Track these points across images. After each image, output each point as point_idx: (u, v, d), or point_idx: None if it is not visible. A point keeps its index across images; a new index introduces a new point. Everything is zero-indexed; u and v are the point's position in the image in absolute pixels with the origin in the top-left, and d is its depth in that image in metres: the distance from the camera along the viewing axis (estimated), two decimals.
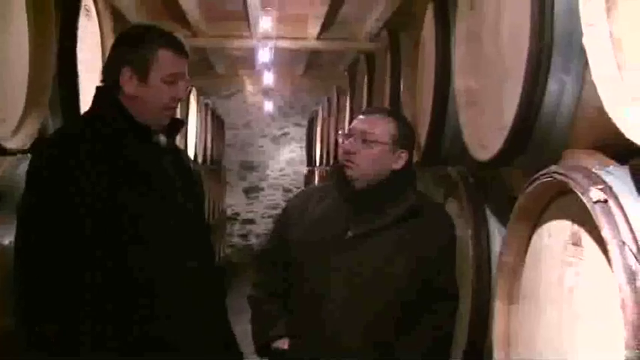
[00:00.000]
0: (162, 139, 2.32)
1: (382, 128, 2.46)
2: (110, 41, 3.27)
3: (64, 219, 2.06)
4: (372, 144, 2.43)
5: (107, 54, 2.41)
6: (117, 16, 3.84)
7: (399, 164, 2.47)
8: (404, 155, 2.48)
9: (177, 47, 2.26)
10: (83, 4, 3.05)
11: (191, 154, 7.36)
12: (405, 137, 2.50)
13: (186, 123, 7.03)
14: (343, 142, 2.50)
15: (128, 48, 2.23)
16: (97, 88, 2.29)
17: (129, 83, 2.20)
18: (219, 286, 2.50)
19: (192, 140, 7.60)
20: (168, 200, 2.22)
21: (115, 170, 2.12)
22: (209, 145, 9.26)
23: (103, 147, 2.14)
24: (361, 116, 2.54)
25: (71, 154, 2.11)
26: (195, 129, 7.82)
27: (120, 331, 2.09)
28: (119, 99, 2.22)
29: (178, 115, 6.39)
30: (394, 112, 2.84)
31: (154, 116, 2.26)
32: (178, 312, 2.19)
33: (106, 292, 2.08)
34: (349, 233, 2.40)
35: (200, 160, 8.19)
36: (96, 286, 2.06)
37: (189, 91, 7.42)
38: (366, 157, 2.43)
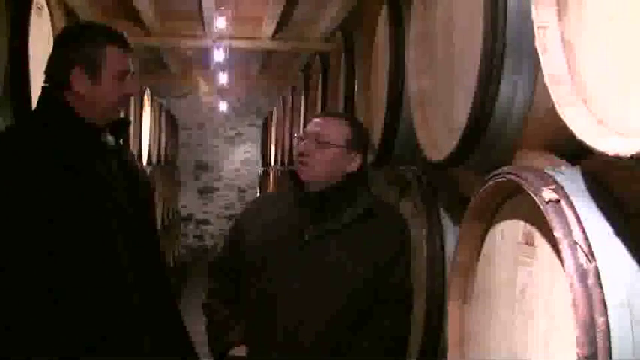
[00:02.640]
0: (110, 138, 2.29)
1: (336, 131, 2.46)
2: None
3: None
4: (325, 146, 2.43)
5: None
6: (70, 14, 3.78)
7: (353, 167, 2.47)
8: (358, 158, 2.48)
9: (123, 43, 2.26)
10: (35, 1, 2.99)
11: (145, 154, 7.27)
12: (359, 140, 2.50)
13: (140, 123, 6.95)
14: (298, 145, 2.49)
15: (75, 47, 2.20)
16: (44, 88, 2.25)
17: (80, 83, 2.17)
18: (167, 288, 2.46)
19: (146, 140, 7.51)
20: (113, 203, 2.19)
21: (59, 172, 2.08)
22: (163, 145, 9.17)
23: (49, 149, 2.10)
24: (315, 119, 2.54)
25: (15, 155, 2.07)
26: (148, 129, 7.73)
27: (58, 342, 2.03)
28: (67, 99, 2.18)
29: (132, 115, 6.35)
30: (348, 115, 2.85)
31: (106, 114, 2.24)
32: (123, 318, 2.15)
33: (42, 297, 2.02)
34: (305, 236, 2.39)
35: (154, 160, 8.10)
36: (32, 293, 2.01)
37: (144, 91, 7.34)
38: (320, 159, 2.42)
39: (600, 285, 1.42)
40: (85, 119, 2.20)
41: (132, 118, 6.27)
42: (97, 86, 2.19)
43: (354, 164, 2.47)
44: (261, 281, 2.41)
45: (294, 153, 2.55)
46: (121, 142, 2.40)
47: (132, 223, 2.24)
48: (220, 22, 6.64)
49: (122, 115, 2.42)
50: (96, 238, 2.11)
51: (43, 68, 2.27)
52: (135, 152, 6.45)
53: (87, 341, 2.07)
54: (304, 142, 2.45)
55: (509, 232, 1.91)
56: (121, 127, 2.37)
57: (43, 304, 2.02)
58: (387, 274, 2.41)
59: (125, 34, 2.28)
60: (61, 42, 2.29)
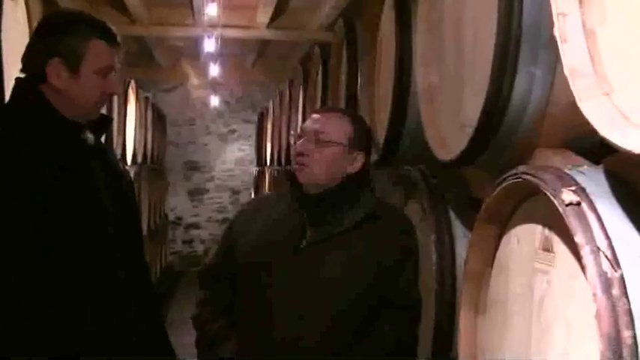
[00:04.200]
0: (90, 136, 2.28)
1: (337, 128, 2.45)
2: None
3: None
4: (326, 144, 2.41)
5: None
6: (47, 1, 3.76)
7: (355, 167, 2.45)
8: (360, 157, 2.47)
9: (110, 37, 2.25)
10: None
11: (129, 153, 7.27)
12: (361, 138, 2.49)
13: (125, 119, 6.94)
14: (295, 143, 2.48)
15: (56, 37, 2.19)
16: (17, 79, 2.25)
17: (57, 76, 2.17)
18: (152, 296, 2.46)
19: (131, 138, 7.51)
20: (94, 205, 2.18)
21: (36, 171, 2.07)
22: (149, 143, 9.17)
23: (25, 146, 2.09)
24: (314, 115, 2.53)
25: None
26: (134, 125, 7.73)
27: (39, 344, 2.04)
28: (43, 92, 2.17)
29: (116, 110, 6.33)
30: (350, 111, 2.84)
31: (84, 111, 2.23)
32: (105, 326, 2.16)
33: (23, 302, 2.04)
34: (304, 242, 2.38)
35: (139, 159, 8.10)
36: (12, 298, 2.03)
37: (128, 84, 7.33)
38: (320, 158, 2.41)
39: (626, 295, 1.41)
40: (62, 114, 2.19)
41: (115, 114, 6.27)
42: (75, 81, 2.18)
43: (356, 164, 2.46)
44: (256, 290, 2.40)
45: (292, 152, 2.54)
46: (102, 140, 2.39)
47: (114, 227, 2.24)
48: (212, 9, 6.62)
49: (103, 111, 2.41)
50: (76, 243, 2.11)
51: (18, 58, 2.26)
52: (119, 151, 6.44)
53: (68, 344, 2.08)
54: (302, 140, 2.44)
55: (525, 237, 1.90)
56: (102, 125, 2.37)
57: (25, 308, 2.03)
58: (392, 283, 2.40)
59: (113, 28, 2.28)
60: (41, 30, 2.29)
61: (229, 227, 2.62)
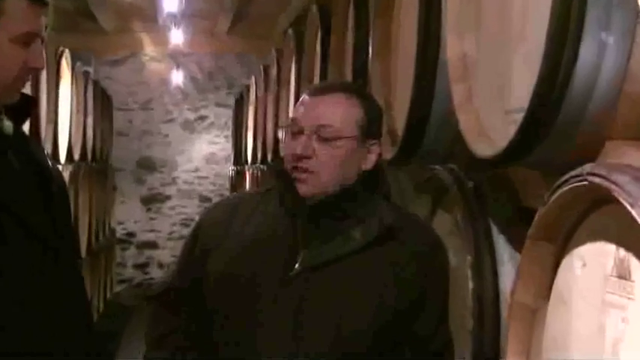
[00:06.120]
0: (7, 124, 2.29)
1: (346, 116, 2.40)
2: None
3: None
4: (334, 142, 2.37)
5: None
6: None
7: (370, 162, 2.43)
8: (376, 147, 2.43)
9: None
10: None
11: (63, 147, 7.27)
12: (374, 121, 2.46)
13: (56, 101, 6.93)
14: (285, 140, 2.43)
15: None
16: None
17: None
18: (91, 340, 2.48)
19: (66, 127, 7.51)
20: (13, 212, 2.19)
21: None
22: (90, 133, 9.17)
23: None
24: (310, 99, 2.45)
25: None
26: (69, 110, 7.72)
27: None
28: None
29: (44, 90, 6.30)
30: (353, 86, 2.81)
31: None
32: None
33: None
34: (297, 266, 2.37)
35: (77, 155, 8.11)
36: None
37: (61, 55, 7.33)
38: (329, 161, 2.35)
39: None
40: None
41: (44, 95, 6.26)
42: None
43: (372, 157, 2.42)
44: (232, 328, 2.39)
45: (283, 150, 2.50)
46: (24, 129, 2.40)
47: (41, 244, 2.24)
48: None
49: (27, 90, 2.42)
50: None
51: None
52: (48, 145, 6.45)
53: None
54: (301, 138, 2.38)
55: (593, 259, 1.91)
56: (23, 108, 2.37)
57: None
58: (413, 321, 2.40)
59: None
60: None
61: (194, 236, 2.57)
